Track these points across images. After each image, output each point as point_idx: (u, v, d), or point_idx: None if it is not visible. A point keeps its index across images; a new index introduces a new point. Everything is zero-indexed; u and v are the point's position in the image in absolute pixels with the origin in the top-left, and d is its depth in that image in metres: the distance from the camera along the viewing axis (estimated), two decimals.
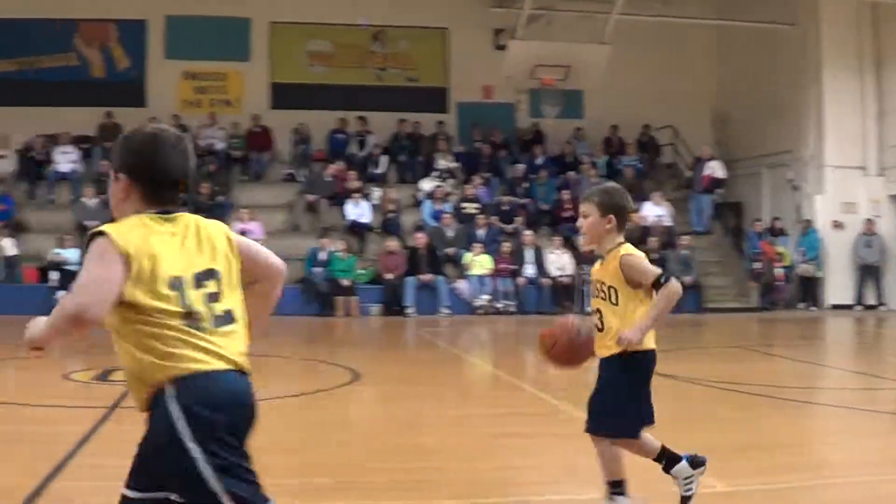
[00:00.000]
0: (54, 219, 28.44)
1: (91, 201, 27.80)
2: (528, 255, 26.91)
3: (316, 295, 25.70)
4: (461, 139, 32.54)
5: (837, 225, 28.96)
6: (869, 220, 28.57)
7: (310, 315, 25.22)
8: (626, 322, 6.23)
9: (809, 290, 28.59)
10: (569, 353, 6.53)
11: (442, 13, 32.59)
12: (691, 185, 31.22)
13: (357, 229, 27.82)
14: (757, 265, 28.32)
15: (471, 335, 22.14)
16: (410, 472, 7.55)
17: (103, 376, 13.68)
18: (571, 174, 30.39)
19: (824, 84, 29.04)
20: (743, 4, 30.76)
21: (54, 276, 25.61)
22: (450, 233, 27.30)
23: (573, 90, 30.59)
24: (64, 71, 32.57)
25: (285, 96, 32.61)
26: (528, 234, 27.27)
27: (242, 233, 24.76)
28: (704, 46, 33.29)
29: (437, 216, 27.93)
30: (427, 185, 29.48)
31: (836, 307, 28.26)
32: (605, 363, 6.36)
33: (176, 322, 3.77)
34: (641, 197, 29.13)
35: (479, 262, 26.29)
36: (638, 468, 6.52)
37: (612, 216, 6.34)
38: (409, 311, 25.44)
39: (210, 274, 3.91)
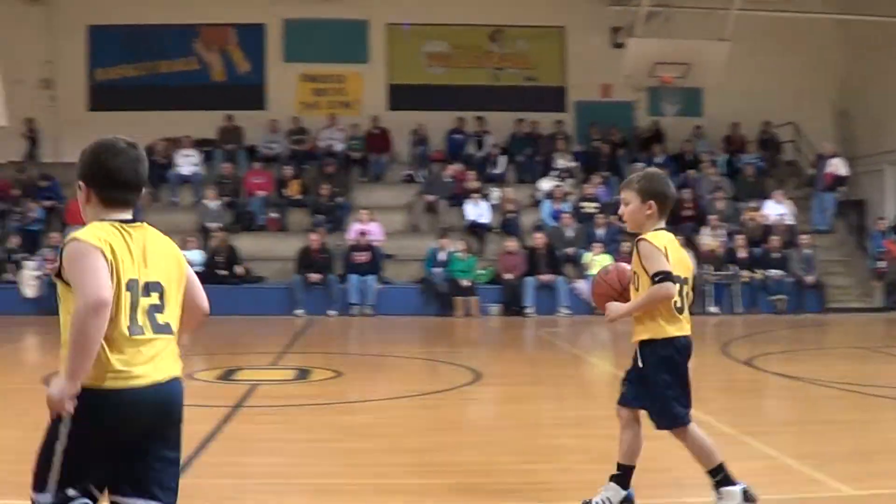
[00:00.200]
0: (177, 220, 28.80)
1: (213, 203, 28.16)
2: None
3: (435, 295, 25.74)
4: (579, 138, 32.40)
5: None
6: None
7: (429, 315, 25.29)
8: (649, 312, 6.35)
9: None
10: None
11: (559, 12, 32.46)
12: (813, 183, 30.65)
13: (476, 229, 27.82)
14: (881, 264, 27.73)
15: (590, 335, 22.04)
16: (535, 473, 7.55)
17: (227, 376, 13.85)
18: (691, 173, 30.08)
19: None
20: None
21: None
22: (569, 232, 27.17)
23: (692, 88, 30.26)
24: (185, 75, 33.06)
25: (403, 97, 32.73)
26: None
27: (362, 233, 25.05)
28: (826, 41, 32.69)
29: (556, 216, 27.83)
30: (546, 184, 29.39)
31: None
32: (640, 351, 6.46)
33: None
34: (762, 195, 28.82)
35: (599, 262, 26.08)
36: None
37: (651, 202, 6.37)
38: (529, 311, 25.36)
39: (156, 285, 4.30)
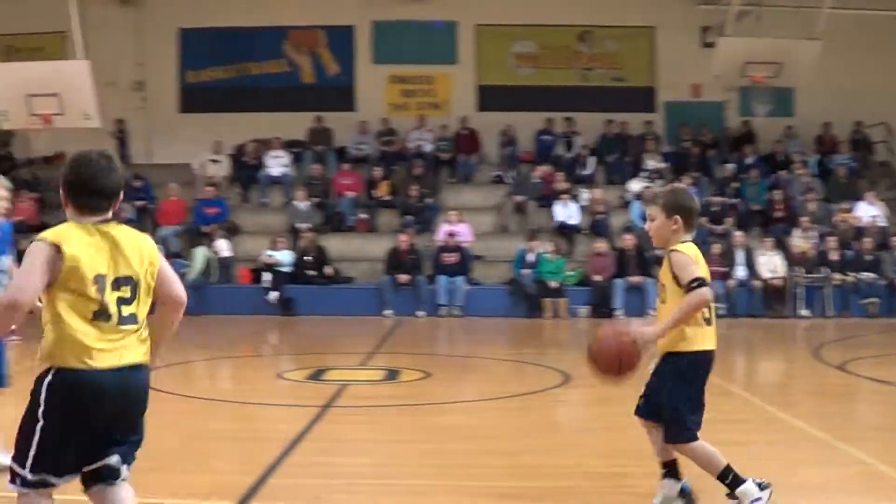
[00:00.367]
0: (267, 221, 29.10)
1: (302, 204, 28.32)
2: (739, 256, 26.39)
3: (524, 296, 25.69)
4: (669, 139, 32.14)
5: None
6: None
7: (518, 317, 25.25)
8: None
9: None
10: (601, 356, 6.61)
11: (648, 12, 32.25)
12: None
13: (565, 231, 27.73)
14: None
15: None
16: (624, 477, 7.50)
17: (316, 376, 13.91)
18: (783, 173, 29.73)
19: None
20: None
21: (267, 277, 26.16)
22: None
23: (783, 87, 29.89)
24: (275, 77, 33.30)
25: (492, 98, 32.71)
26: (738, 235, 26.76)
27: (451, 235, 25.05)
28: None
29: (645, 217, 27.58)
30: (635, 185, 29.21)
31: None
32: (660, 362, 6.52)
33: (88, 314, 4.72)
34: (855, 196, 28.41)
35: None
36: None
37: (677, 217, 6.35)
38: (618, 312, 25.22)
39: (127, 280, 4.82)
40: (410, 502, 7.15)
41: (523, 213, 28.58)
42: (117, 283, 4.78)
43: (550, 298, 25.33)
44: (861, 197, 28.17)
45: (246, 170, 30.76)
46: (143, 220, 28.52)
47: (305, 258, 26.26)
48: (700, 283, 6.19)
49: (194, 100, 33.11)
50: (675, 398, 6.35)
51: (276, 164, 30.41)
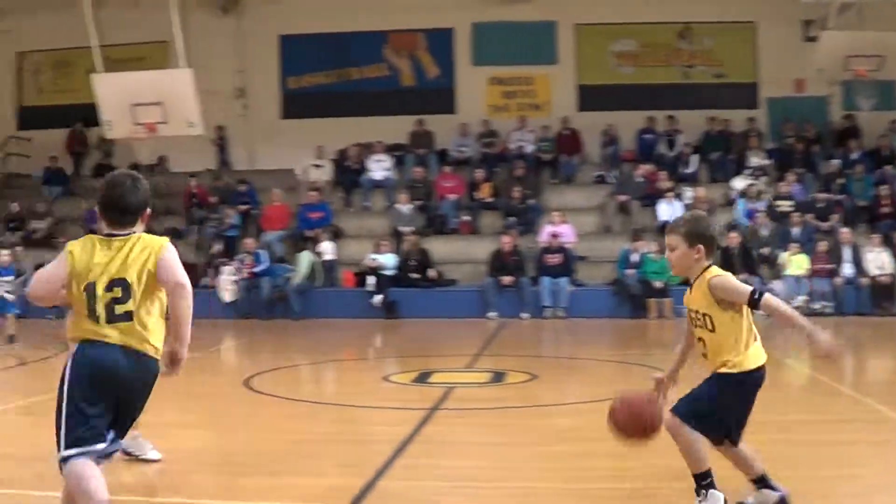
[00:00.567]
0: (370, 225, 29.29)
1: (405, 207, 28.43)
2: (846, 253, 26.02)
3: (628, 297, 25.56)
4: (772, 135, 31.78)
5: None
6: None
7: (622, 317, 25.14)
8: (727, 345, 6.21)
9: None
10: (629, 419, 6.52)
11: (749, 7, 31.89)
12: None
13: None
14: None
15: (785, 337, 21.59)
16: (729, 480, 7.42)
17: (422, 378, 13.95)
18: (889, 169, 29.25)
19: None
20: None
21: (371, 280, 26.28)
22: (764, 231, 26.72)
23: (887, 80, 29.46)
24: (376, 81, 33.51)
25: (593, 98, 32.60)
26: (844, 232, 26.38)
27: (554, 235, 24.99)
28: None
29: (750, 215, 27.38)
30: (739, 183, 28.93)
31: None
32: (714, 378, 6.32)
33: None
34: None
35: (796, 262, 25.61)
36: None
37: (700, 246, 6.24)
38: None
39: (120, 282, 5.61)
40: None
41: (626, 212, 28.45)
42: (111, 285, 5.62)
43: (655, 298, 25.17)
44: None
45: (348, 174, 30.96)
46: (248, 226, 28.85)
47: (409, 261, 26.38)
48: (759, 291, 6.14)
49: (296, 105, 33.43)
50: (727, 411, 6.27)
51: (379, 167, 30.57)
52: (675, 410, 6.36)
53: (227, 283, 26.77)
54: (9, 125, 34.94)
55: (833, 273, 25.47)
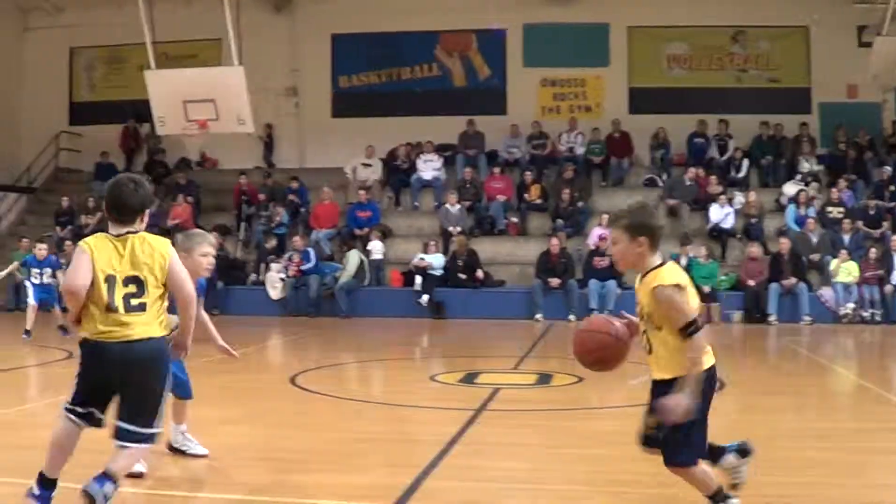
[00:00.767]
0: (418, 224, 29.39)
1: (454, 208, 28.47)
2: None
3: None
4: (824, 141, 31.63)
5: None
6: None
7: None
8: (669, 349, 5.92)
9: None
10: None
11: (802, 11, 31.75)
12: None
13: (718, 234, 27.46)
14: None
15: (835, 344, 21.49)
16: (779, 486, 7.39)
17: (468, 379, 13.95)
18: None
19: None
20: None
21: (418, 280, 26.34)
22: (814, 238, 26.58)
23: None
24: (426, 81, 33.61)
25: (644, 100, 32.58)
26: (895, 240, 26.22)
27: (602, 238, 24.97)
28: None
29: (800, 221, 27.24)
30: (790, 188, 28.79)
31: None
32: (660, 386, 6.02)
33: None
34: None
35: (846, 269, 25.46)
36: None
37: (642, 238, 6.01)
38: (772, 318, 24.86)
39: (134, 279, 6.18)
40: None
41: (676, 216, 28.36)
42: (126, 282, 6.18)
43: (703, 303, 24.98)
44: None
45: (398, 174, 31.05)
46: (296, 224, 28.96)
47: (457, 262, 26.43)
48: (694, 329, 5.85)
49: (346, 104, 33.59)
50: (692, 422, 6.11)
51: (428, 167, 30.65)
52: (674, 462, 6.21)
53: (275, 281, 26.90)
54: (61, 120, 35.29)
55: (883, 280, 25.31)
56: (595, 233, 26.82)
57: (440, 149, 31.45)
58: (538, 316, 25.40)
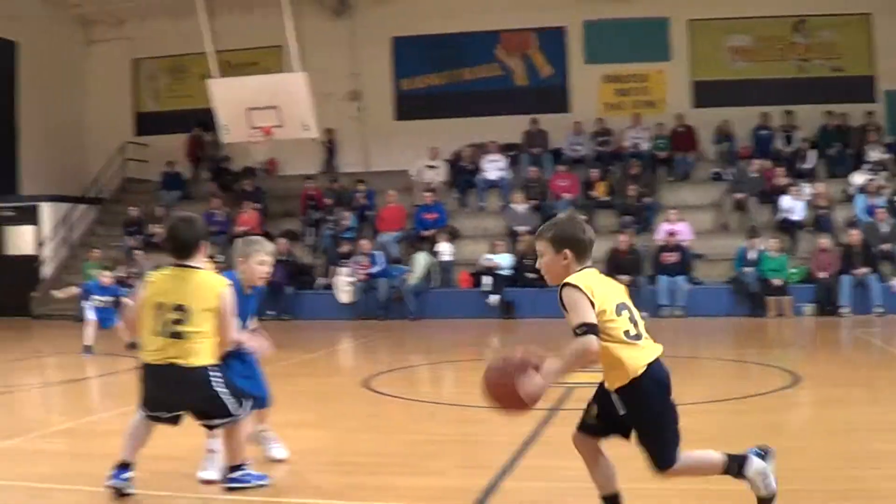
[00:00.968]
0: (485, 225, 29.40)
1: (520, 207, 28.46)
2: None
3: (747, 295, 25.33)
4: (891, 129, 31.28)
5: None
6: None
7: (740, 315, 24.93)
8: (605, 356, 5.91)
9: None
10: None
11: None
12: None
13: (787, 227, 27.24)
14: None
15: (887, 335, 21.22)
16: (859, 480, 7.35)
17: None
18: None
19: None
20: None
21: (487, 280, 26.34)
22: (884, 228, 26.31)
23: None
24: (488, 81, 33.63)
25: (707, 94, 32.38)
26: None
27: (671, 234, 24.81)
28: None
29: (870, 211, 26.97)
30: (858, 178, 28.49)
31: None
32: (619, 395, 6.07)
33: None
34: None
35: None
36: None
37: (566, 251, 5.99)
38: (844, 310, 24.62)
39: (180, 307, 7.02)
40: None
41: (743, 209, 28.19)
42: (173, 309, 7.01)
43: (774, 297, 24.90)
44: None
45: (463, 174, 31.08)
46: (363, 227, 29.07)
47: (524, 261, 26.38)
48: (585, 329, 5.84)
49: (409, 107, 33.66)
50: (650, 423, 6.09)
51: (493, 167, 30.65)
52: (664, 466, 6.20)
53: (344, 284, 27.00)
54: (127, 131, 35.63)
55: None
56: (663, 228, 26.71)
57: (504, 148, 31.44)
58: None
